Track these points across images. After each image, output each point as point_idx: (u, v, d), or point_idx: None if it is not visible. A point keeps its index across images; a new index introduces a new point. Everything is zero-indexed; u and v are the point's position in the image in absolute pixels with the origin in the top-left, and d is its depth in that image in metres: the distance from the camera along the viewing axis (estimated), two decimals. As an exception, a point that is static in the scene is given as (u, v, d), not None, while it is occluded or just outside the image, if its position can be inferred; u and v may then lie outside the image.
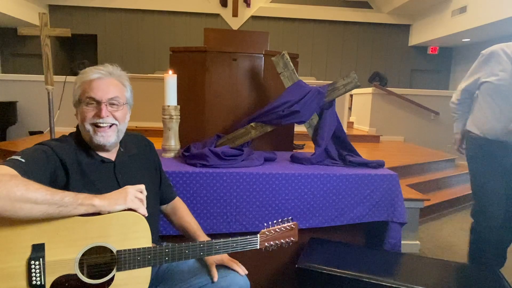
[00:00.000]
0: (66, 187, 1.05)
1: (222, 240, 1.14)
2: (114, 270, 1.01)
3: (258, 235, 1.18)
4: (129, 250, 1.02)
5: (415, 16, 9.30)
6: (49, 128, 3.32)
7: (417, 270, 1.61)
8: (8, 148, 3.85)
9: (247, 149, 2.00)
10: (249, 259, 1.85)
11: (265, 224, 1.21)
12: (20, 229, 0.93)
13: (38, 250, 0.94)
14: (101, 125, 1.11)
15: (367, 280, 1.47)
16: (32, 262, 0.94)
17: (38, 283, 0.94)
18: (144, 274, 1.05)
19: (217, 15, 9.08)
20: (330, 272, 1.52)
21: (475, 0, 7.02)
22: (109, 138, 1.13)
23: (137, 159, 1.26)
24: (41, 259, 0.95)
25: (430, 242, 3.04)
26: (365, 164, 1.93)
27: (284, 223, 1.21)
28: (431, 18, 8.62)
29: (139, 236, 1.04)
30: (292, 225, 1.22)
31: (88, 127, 1.11)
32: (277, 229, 1.20)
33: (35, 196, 0.88)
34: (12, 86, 5.47)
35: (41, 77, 3.66)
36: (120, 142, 1.23)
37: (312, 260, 1.58)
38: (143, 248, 1.03)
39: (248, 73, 2.33)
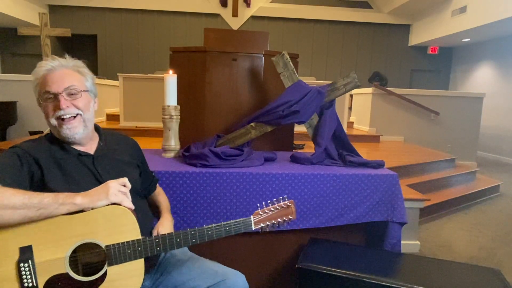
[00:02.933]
0: (45, 184, 1.05)
1: (214, 225, 1.12)
2: (106, 265, 1.01)
3: (252, 216, 1.16)
4: (118, 244, 1.01)
5: (415, 16, 9.30)
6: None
7: (417, 270, 1.60)
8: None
9: (247, 149, 2.00)
10: (249, 259, 1.85)
11: (258, 205, 1.18)
12: (6, 233, 0.94)
13: (25, 252, 0.94)
14: (65, 117, 1.10)
15: (367, 280, 1.47)
16: (21, 264, 0.94)
17: (30, 285, 0.95)
18: (137, 266, 1.04)
19: (217, 15, 9.09)
20: (330, 272, 1.52)
21: (475, 0, 7.02)
22: (75, 130, 1.11)
23: (118, 154, 1.25)
24: (29, 261, 0.95)
25: (430, 242, 3.04)
26: (365, 164, 1.93)
27: (280, 202, 1.18)
28: (431, 18, 8.62)
29: (127, 229, 1.03)
30: (288, 203, 1.18)
31: (54, 122, 1.10)
32: (271, 208, 1.17)
33: (13, 201, 0.89)
34: (12, 86, 5.46)
35: (41, 77, 3.64)
36: (100, 137, 1.23)
37: (312, 260, 1.58)
38: (132, 240, 1.03)
39: (248, 73, 2.33)
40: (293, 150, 2.51)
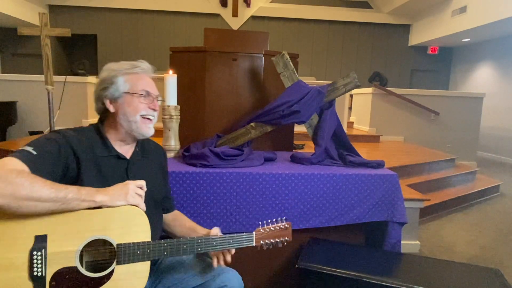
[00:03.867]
0: (77, 178, 1.06)
1: (219, 236, 1.16)
2: (114, 263, 1.01)
3: (254, 232, 1.20)
4: (129, 244, 1.02)
5: (415, 16, 9.30)
6: (49, 128, 3.32)
7: (417, 270, 1.61)
8: (8, 148, 3.84)
9: (247, 149, 2.00)
10: (249, 259, 1.85)
11: (260, 223, 1.23)
12: (23, 220, 0.95)
13: (40, 241, 0.95)
14: (150, 117, 1.18)
15: (367, 280, 1.47)
16: (35, 252, 0.95)
17: (39, 274, 0.95)
18: (143, 268, 1.05)
19: (217, 15, 9.09)
20: (330, 272, 1.52)
21: (475, 0, 7.02)
22: (152, 130, 1.20)
23: (149, 163, 1.27)
24: (43, 250, 0.96)
25: (430, 242, 3.04)
26: (365, 164, 1.93)
27: (278, 223, 1.24)
28: (431, 18, 8.62)
29: (139, 230, 1.05)
30: (286, 225, 1.24)
31: (138, 118, 1.15)
32: (271, 228, 1.22)
33: (40, 194, 0.89)
34: (12, 86, 5.46)
35: (41, 77, 3.66)
36: (137, 142, 1.25)
37: (312, 260, 1.58)
38: (142, 242, 1.04)
39: (248, 73, 2.33)
40: (293, 150, 2.51)
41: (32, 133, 5.41)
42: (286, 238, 1.23)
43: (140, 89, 1.16)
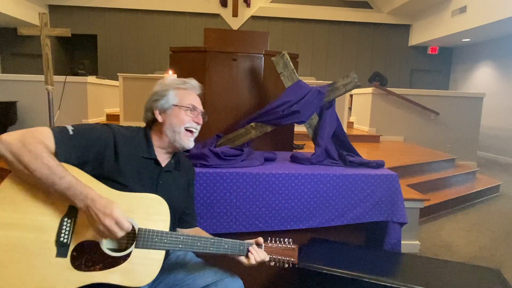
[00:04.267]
0: (114, 168, 1.12)
1: (231, 241, 1.18)
2: (133, 246, 1.04)
3: (264, 244, 1.22)
4: (149, 230, 1.06)
5: (415, 16, 9.30)
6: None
7: (417, 270, 1.61)
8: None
9: (247, 149, 2.00)
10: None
11: (269, 238, 1.25)
12: None
13: (73, 211, 1.02)
14: (194, 130, 1.28)
15: (367, 280, 1.47)
16: (66, 219, 1.01)
17: (65, 241, 1.00)
18: (158, 257, 1.08)
19: (217, 15, 9.09)
20: (330, 272, 1.52)
21: (475, 0, 7.02)
22: (192, 143, 1.28)
23: (179, 176, 1.32)
24: (73, 218, 1.02)
25: (430, 242, 3.04)
26: (365, 164, 1.93)
27: (286, 243, 1.25)
28: (431, 18, 8.62)
29: (160, 219, 1.10)
30: (293, 246, 1.25)
31: (182, 130, 1.24)
32: (278, 245, 1.24)
33: (36, 171, 0.95)
34: (12, 86, 5.46)
35: (41, 77, 3.66)
36: (174, 155, 1.31)
37: (312, 260, 1.58)
38: (161, 231, 1.08)
39: (248, 73, 2.33)
40: (293, 150, 2.51)
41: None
42: (292, 259, 1.23)
43: (187, 103, 1.26)
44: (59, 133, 1.03)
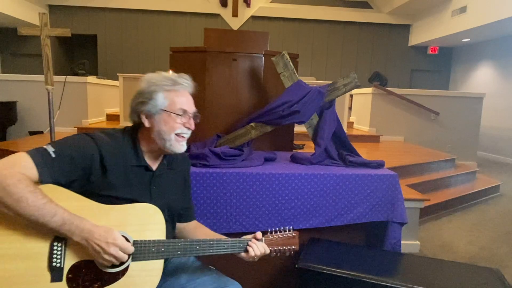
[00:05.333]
0: (103, 182, 1.07)
1: (230, 239, 1.17)
2: (130, 259, 1.03)
3: (264, 237, 1.21)
4: (145, 241, 1.04)
5: (415, 16, 9.30)
6: (49, 128, 3.32)
7: (417, 270, 1.60)
8: (8, 148, 3.84)
9: (247, 149, 2.00)
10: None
11: (269, 230, 1.24)
12: None
13: None
14: (185, 135, 1.17)
15: (367, 280, 1.47)
16: (55, 243, 0.97)
17: (58, 265, 0.97)
18: (156, 267, 1.07)
19: (217, 15, 9.08)
20: (330, 272, 1.52)
21: (475, 0, 7.01)
22: (184, 147, 1.18)
23: (174, 175, 1.27)
24: (63, 241, 0.98)
25: (430, 242, 3.04)
26: (365, 164, 1.93)
27: (286, 231, 1.25)
28: (431, 18, 8.62)
29: (155, 228, 1.08)
30: (294, 234, 1.25)
31: (173, 136, 1.14)
32: (279, 235, 1.23)
33: (21, 212, 0.91)
34: (12, 86, 5.46)
35: (41, 77, 3.66)
36: (165, 155, 1.24)
37: (312, 260, 1.58)
38: (158, 240, 1.06)
39: (248, 73, 2.33)
40: (293, 150, 2.51)
41: (32, 133, 5.41)
42: (293, 247, 1.23)
43: (178, 108, 1.14)
44: (40, 158, 0.96)
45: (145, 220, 1.06)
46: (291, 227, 1.26)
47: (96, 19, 8.95)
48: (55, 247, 0.97)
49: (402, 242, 1.88)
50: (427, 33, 8.84)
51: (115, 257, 0.97)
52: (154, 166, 1.20)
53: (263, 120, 2.05)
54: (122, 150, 1.12)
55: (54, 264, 0.97)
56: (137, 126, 1.19)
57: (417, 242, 2.87)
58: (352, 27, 9.54)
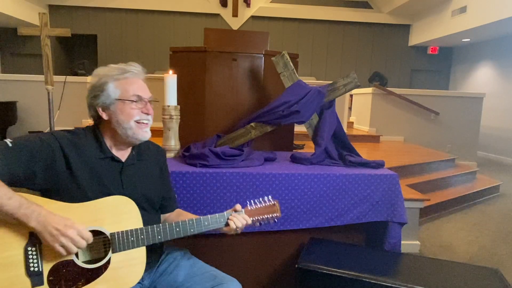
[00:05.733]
0: (69, 176, 1.06)
1: (210, 216, 1.17)
2: (110, 252, 1.03)
3: (243, 209, 1.23)
4: (122, 231, 1.05)
5: (415, 16, 9.30)
6: (49, 128, 3.32)
7: (417, 270, 1.60)
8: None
9: (247, 149, 2.00)
10: (249, 259, 1.85)
11: (247, 202, 1.26)
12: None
13: (35, 237, 0.96)
14: (145, 121, 1.17)
15: (367, 280, 1.47)
16: (29, 248, 0.96)
17: (36, 269, 0.96)
18: (139, 255, 1.07)
19: (217, 15, 9.08)
20: (330, 272, 1.52)
21: (475, 0, 7.01)
22: (148, 134, 1.19)
23: (146, 165, 1.27)
24: (37, 245, 0.97)
25: (430, 242, 3.04)
26: (365, 164, 1.93)
27: (266, 202, 1.27)
28: (431, 18, 8.62)
29: (130, 217, 1.08)
30: (273, 202, 1.28)
31: (133, 124, 1.14)
32: (258, 205, 1.26)
33: None
34: (12, 86, 5.46)
35: (41, 77, 3.66)
36: (134, 146, 1.24)
37: (312, 260, 1.58)
38: (135, 229, 1.06)
39: (248, 73, 2.33)
40: (293, 150, 2.51)
41: (32, 133, 5.41)
42: (276, 214, 1.26)
43: (131, 95, 1.14)
44: None
45: (118, 212, 1.06)
46: (270, 196, 1.29)
47: (96, 19, 8.95)
48: (30, 252, 0.96)
49: (402, 242, 1.88)
50: (427, 33, 8.84)
51: (72, 240, 0.94)
52: (123, 157, 1.20)
53: (263, 120, 2.05)
54: (84, 144, 1.13)
55: (32, 269, 0.95)
56: (98, 122, 1.20)
57: (417, 242, 2.87)
58: (352, 27, 9.53)
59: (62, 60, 9.18)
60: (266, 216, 1.25)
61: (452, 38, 8.29)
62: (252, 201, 1.26)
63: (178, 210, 1.41)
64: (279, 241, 1.86)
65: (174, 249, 1.36)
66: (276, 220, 1.27)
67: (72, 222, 0.96)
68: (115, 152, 1.18)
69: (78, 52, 9.62)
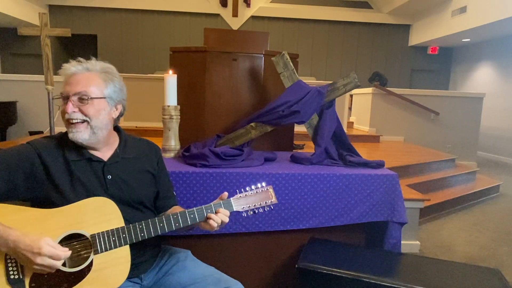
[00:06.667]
0: (50, 182, 1.06)
1: (195, 208, 1.14)
2: (91, 254, 1.01)
3: (231, 199, 1.17)
4: (103, 232, 1.03)
5: (415, 16, 9.30)
6: (49, 128, 3.32)
7: (417, 270, 1.60)
8: (8, 148, 3.84)
9: (247, 149, 2.00)
10: (249, 259, 1.85)
11: (237, 190, 1.21)
12: None
13: None
14: (73, 121, 1.09)
15: (367, 280, 1.47)
16: (8, 256, 0.95)
17: (16, 277, 0.95)
18: (123, 254, 1.05)
19: (217, 15, 9.08)
20: (330, 272, 1.52)
21: (475, 0, 7.01)
22: (80, 134, 1.09)
23: (133, 163, 1.23)
24: None
25: (430, 242, 3.04)
26: (365, 164, 1.93)
27: (258, 187, 1.20)
28: (431, 18, 8.62)
29: (111, 218, 1.06)
30: (267, 187, 1.20)
31: (65, 123, 1.11)
32: (249, 193, 1.19)
33: None
34: (12, 86, 5.47)
35: (41, 77, 3.66)
36: (120, 143, 1.22)
37: (312, 260, 1.58)
38: (116, 228, 1.05)
39: (248, 73, 2.33)
40: (293, 150, 2.51)
41: (32, 133, 5.41)
42: (271, 201, 1.19)
43: (60, 92, 1.12)
44: None
45: (97, 213, 1.04)
46: (263, 183, 1.22)
47: (96, 19, 8.95)
48: (9, 260, 0.95)
49: (402, 242, 1.88)
50: (427, 33, 8.84)
51: (44, 266, 0.92)
52: (104, 156, 1.17)
53: (263, 120, 2.05)
54: (60, 147, 1.12)
55: (12, 277, 0.94)
56: None
57: (417, 242, 2.87)
58: (352, 27, 9.54)
59: (62, 60, 9.11)
60: (259, 204, 1.18)
61: (452, 38, 8.30)
62: (243, 189, 1.19)
63: (173, 207, 1.37)
64: (279, 241, 1.86)
65: (177, 250, 1.35)
66: (272, 207, 1.19)
67: (40, 248, 0.91)
68: (95, 151, 1.16)
69: (78, 52, 9.59)
